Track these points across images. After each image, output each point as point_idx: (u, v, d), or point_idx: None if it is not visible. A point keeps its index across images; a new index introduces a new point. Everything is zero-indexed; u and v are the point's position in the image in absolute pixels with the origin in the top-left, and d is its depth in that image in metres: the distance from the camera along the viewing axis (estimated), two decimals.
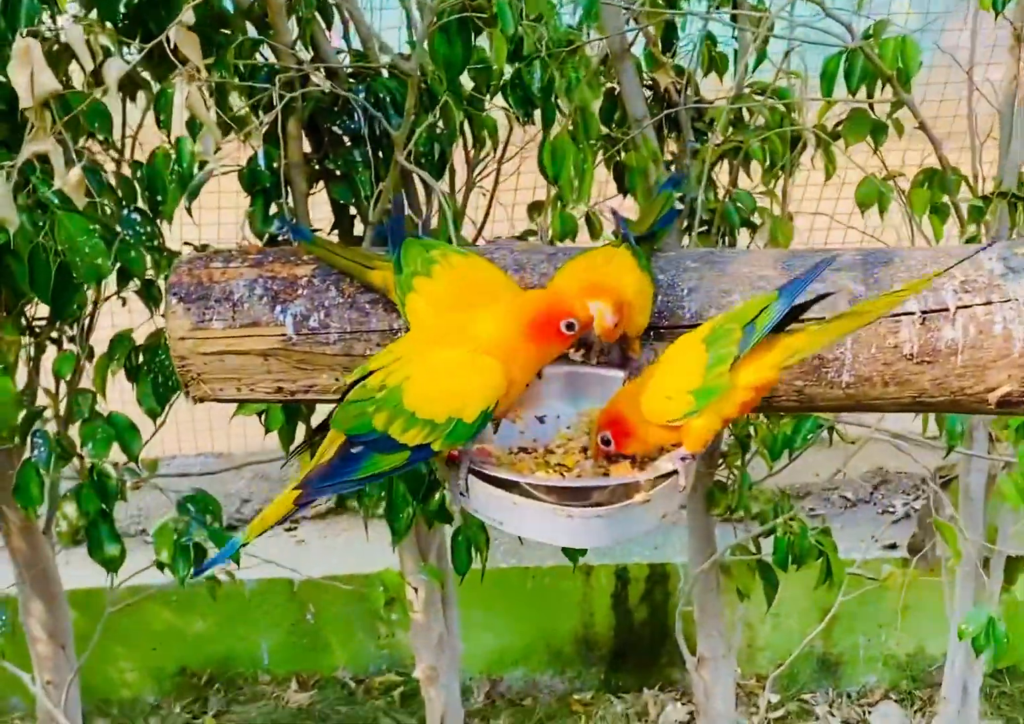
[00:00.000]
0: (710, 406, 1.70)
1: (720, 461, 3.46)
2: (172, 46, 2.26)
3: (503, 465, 1.75)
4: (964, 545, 3.36)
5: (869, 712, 4.48)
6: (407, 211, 2.83)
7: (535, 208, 3.30)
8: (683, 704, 4.52)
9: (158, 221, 2.61)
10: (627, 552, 4.65)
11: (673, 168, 3.24)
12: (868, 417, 3.22)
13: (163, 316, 2.03)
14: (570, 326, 1.70)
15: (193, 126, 2.42)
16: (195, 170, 2.44)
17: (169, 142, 2.48)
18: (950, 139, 3.79)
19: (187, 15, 2.18)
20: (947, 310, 1.87)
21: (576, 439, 1.83)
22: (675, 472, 1.70)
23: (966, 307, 1.86)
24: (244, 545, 1.79)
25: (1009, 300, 1.86)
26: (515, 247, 1.98)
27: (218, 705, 4.59)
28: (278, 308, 1.94)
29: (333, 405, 1.81)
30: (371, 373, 1.75)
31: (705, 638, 3.58)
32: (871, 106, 3.16)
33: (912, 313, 1.87)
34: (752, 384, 1.72)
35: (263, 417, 2.81)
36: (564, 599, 4.63)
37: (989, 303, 1.86)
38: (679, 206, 3.07)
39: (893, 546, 4.50)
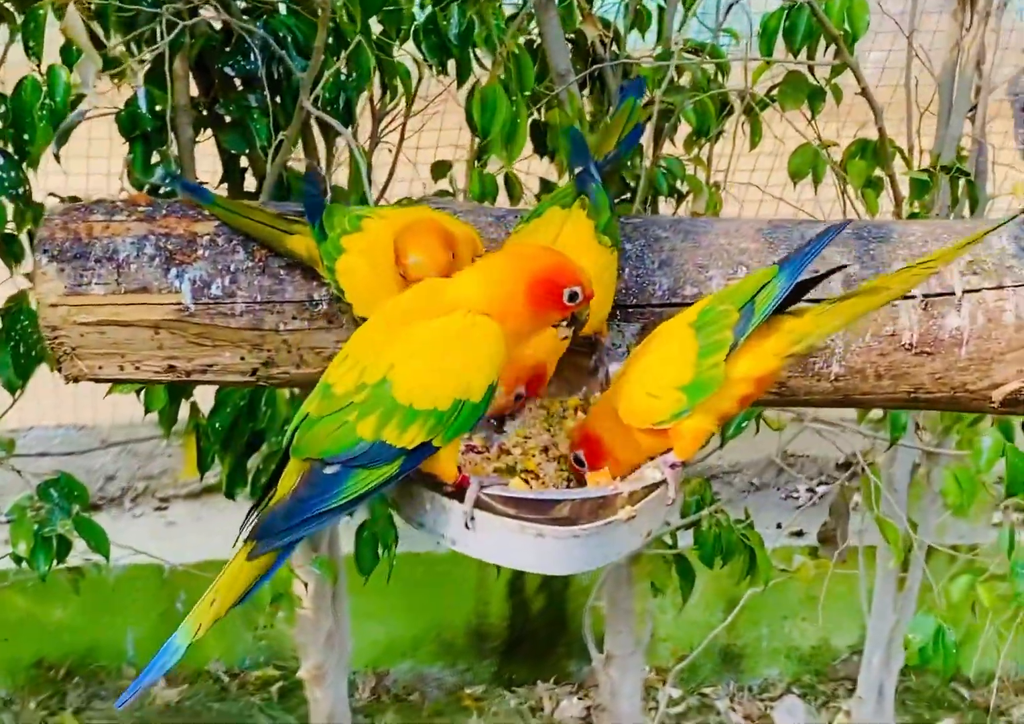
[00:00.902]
0: (703, 404, 1.42)
1: None
2: None
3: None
4: (878, 537, 3.19)
5: (771, 707, 4.32)
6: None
7: (440, 167, 3.02)
8: (580, 698, 4.30)
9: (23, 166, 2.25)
10: None
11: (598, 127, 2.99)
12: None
13: (28, 277, 1.69)
14: (573, 296, 1.39)
15: (69, 55, 2.07)
16: (70, 106, 2.08)
17: (40, 73, 2.13)
18: (888, 110, 3.60)
19: None
20: (953, 294, 1.64)
21: (535, 437, 1.54)
22: (663, 482, 1.42)
23: (974, 291, 1.64)
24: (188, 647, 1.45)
25: (1022, 285, 1.63)
26: (458, 207, 1.68)
27: (78, 700, 4.22)
28: (173, 271, 1.62)
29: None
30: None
31: (614, 635, 3.37)
32: (811, 70, 2.95)
33: (913, 297, 1.64)
34: (752, 375, 1.45)
35: (142, 394, 2.47)
36: (458, 588, 4.36)
37: (1000, 287, 1.64)
38: None
39: (799, 533, 4.34)
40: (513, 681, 4.43)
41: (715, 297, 1.48)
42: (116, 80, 2.56)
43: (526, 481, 1.45)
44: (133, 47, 2.62)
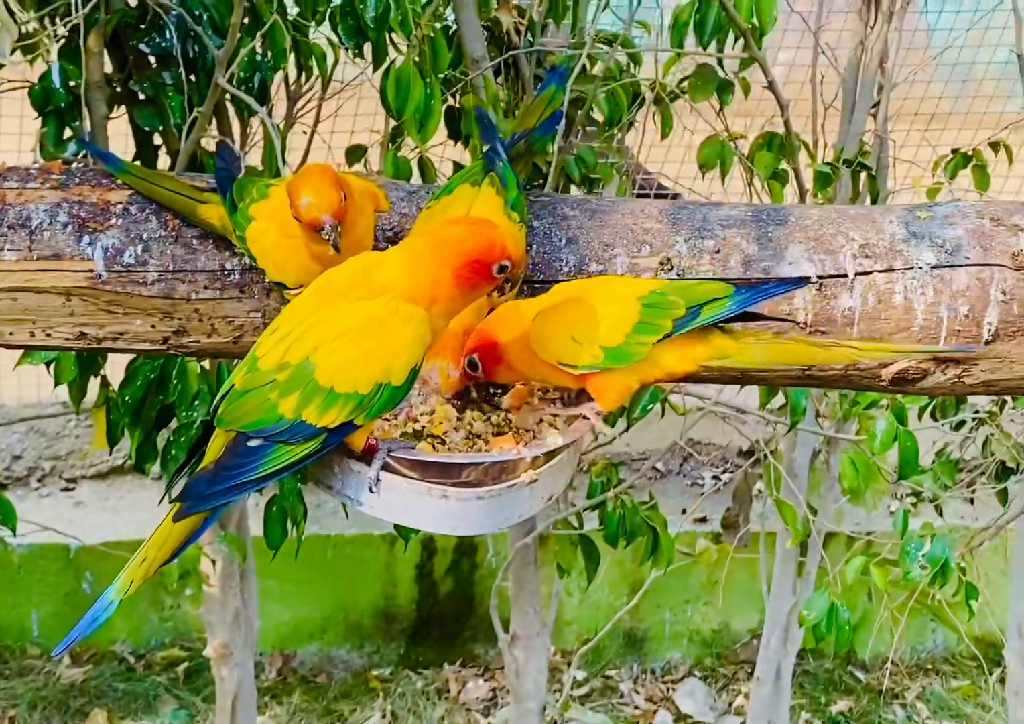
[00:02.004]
0: (630, 368, 1.50)
1: None
2: None
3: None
4: (774, 524, 3.27)
5: (673, 689, 4.40)
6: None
7: (355, 152, 3.04)
8: (485, 680, 4.34)
9: None
10: None
11: (514, 114, 3.02)
12: (711, 391, 3.09)
13: None
14: (503, 268, 1.44)
15: None
16: None
17: None
18: (795, 106, 3.69)
19: None
20: (845, 276, 1.71)
21: (442, 404, 1.58)
22: (564, 448, 1.47)
23: (865, 273, 1.71)
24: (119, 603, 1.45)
25: (911, 268, 1.71)
26: (372, 180, 1.71)
27: None
28: (86, 239, 1.63)
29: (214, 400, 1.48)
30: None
31: (520, 615, 3.41)
32: (719, 63, 3.02)
33: (809, 278, 1.70)
34: (669, 369, 1.54)
35: (51, 367, 2.46)
36: (366, 569, 4.38)
37: (891, 270, 1.71)
38: None
39: (703, 519, 4.43)
40: (420, 663, 4.46)
41: (670, 285, 1.54)
42: (28, 55, 2.55)
43: (432, 446, 1.49)
44: (47, 22, 2.62)
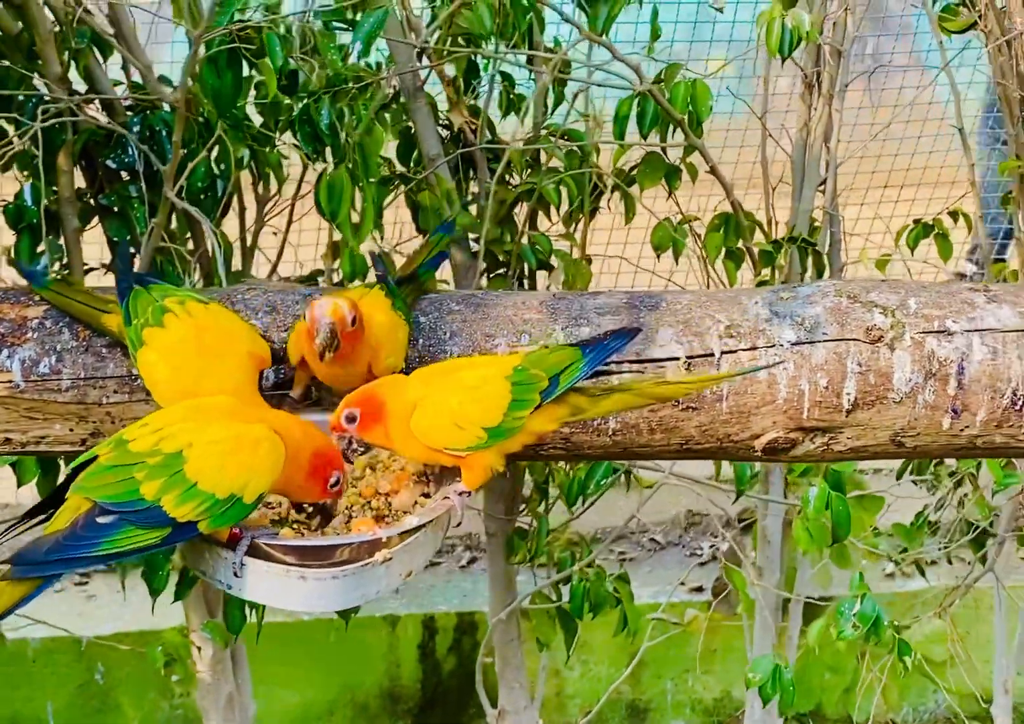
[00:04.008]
0: (497, 445, 1.65)
1: (522, 508, 3.39)
2: None
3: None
4: (756, 590, 3.34)
5: None
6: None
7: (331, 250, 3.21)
8: None
9: None
10: (434, 601, 4.54)
11: (471, 208, 3.17)
12: (666, 463, 3.18)
13: None
14: (335, 483, 1.64)
15: None
16: None
17: None
18: (751, 184, 3.82)
19: None
20: (712, 355, 1.83)
21: None
22: (420, 527, 1.60)
23: (731, 352, 1.83)
24: None
25: (774, 345, 1.83)
26: (268, 286, 1.87)
27: None
28: (4, 352, 1.79)
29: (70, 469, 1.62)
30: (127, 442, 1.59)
31: (506, 690, 3.49)
32: (664, 150, 3.15)
33: (677, 358, 1.83)
34: (537, 430, 1.70)
35: (15, 468, 2.62)
36: (369, 651, 4.48)
37: (754, 348, 1.83)
38: (475, 248, 3.03)
39: (700, 589, 4.49)
40: None
41: (527, 359, 1.69)
42: None
43: (299, 531, 1.63)
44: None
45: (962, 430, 1.86)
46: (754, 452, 1.85)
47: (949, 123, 3.40)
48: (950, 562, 3.80)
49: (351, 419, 1.66)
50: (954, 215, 3.76)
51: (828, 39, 3.36)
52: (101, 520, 1.52)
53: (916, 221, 3.65)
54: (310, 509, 1.69)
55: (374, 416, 1.65)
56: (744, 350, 1.82)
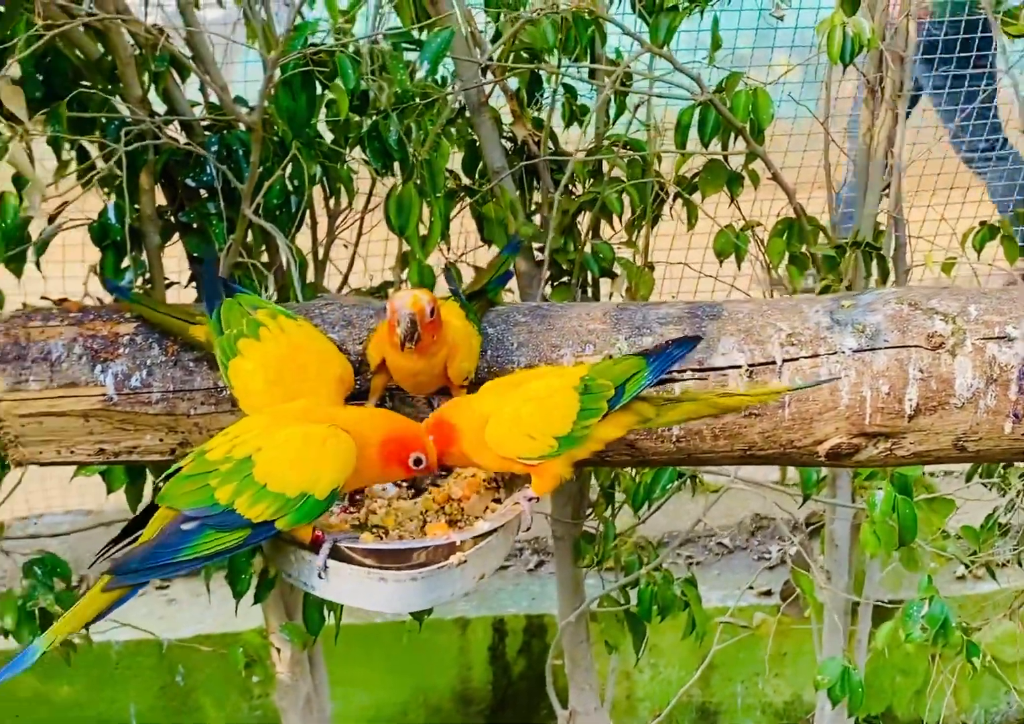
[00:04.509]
0: (567, 452, 1.71)
1: (589, 511, 3.45)
2: None
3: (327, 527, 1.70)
4: (825, 593, 3.37)
5: None
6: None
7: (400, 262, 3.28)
8: None
9: None
10: (503, 604, 4.60)
11: (536, 219, 3.24)
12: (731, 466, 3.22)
13: None
14: (418, 460, 1.70)
15: (19, 182, 2.36)
16: (19, 225, 2.36)
17: None
18: (814, 189, 3.84)
19: (12, 69, 2.13)
20: (774, 363, 1.88)
21: (397, 499, 1.79)
22: (492, 532, 1.68)
23: (792, 360, 1.88)
24: (45, 652, 1.65)
25: (835, 352, 1.87)
26: (344, 301, 1.95)
27: None
28: (98, 367, 1.89)
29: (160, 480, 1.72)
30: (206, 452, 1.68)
31: (577, 691, 3.55)
32: (726, 158, 3.19)
33: (739, 366, 1.88)
34: (604, 438, 1.77)
35: (105, 477, 2.72)
36: (441, 654, 4.56)
37: (815, 356, 1.88)
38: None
39: (768, 593, 4.52)
40: None
41: (594, 369, 1.77)
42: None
43: (379, 536, 1.70)
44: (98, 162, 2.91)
45: None
46: (817, 457, 1.90)
47: (1014, 125, 3.41)
48: (1020, 564, 3.79)
49: (418, 462, 1.74)
50: (1019, 217, 3.76)
51: (890, 45, 3.38)
52: (185, 527, 1.63)
53: (982, 223, 3.66)
54: (405, 485, 1.75)
55: (447, 438, 1.73)
56: (805, 358, 1.87)
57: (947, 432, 1.87)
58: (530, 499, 1.73)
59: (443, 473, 1.82)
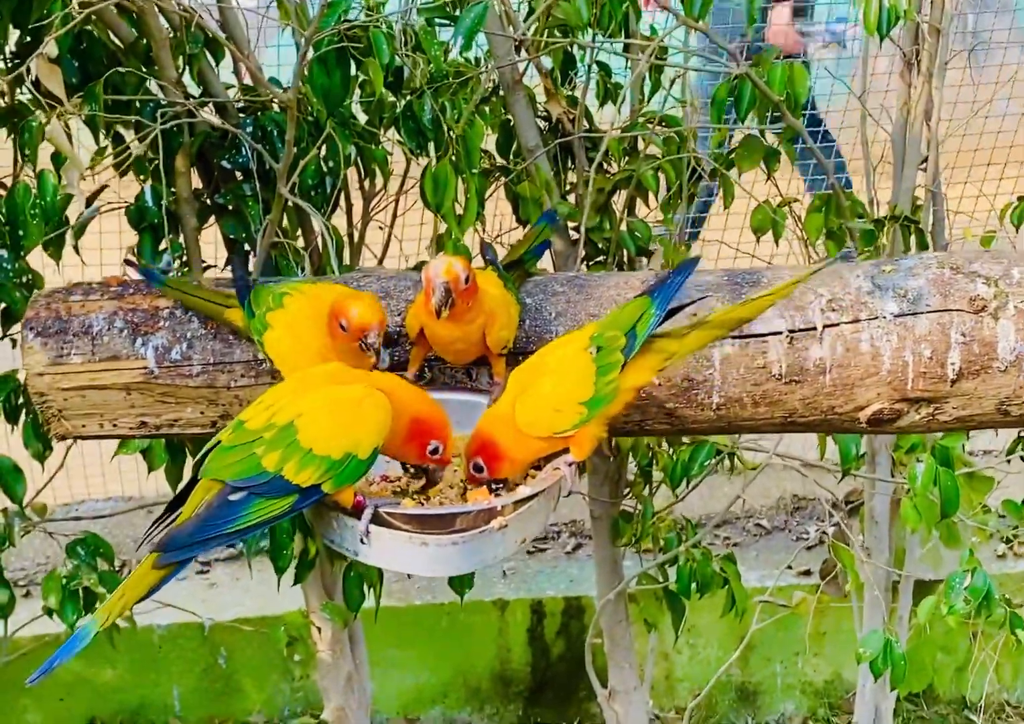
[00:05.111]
0: (598, 413, 1.70)
1: (626, 491, 3.44)
2: (34, 78, 2.21)
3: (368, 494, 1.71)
4: (865, 569, 3.35)
5: None
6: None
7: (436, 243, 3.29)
8: None
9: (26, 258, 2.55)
10: (541, 586, 4.61)
11: (571, 197, 3.23)
12: (768, 443, 3.21)
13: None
14: (435, 450, 1.71)
15: (58, 160, 2.37)
16: (58, 203, 2.37)
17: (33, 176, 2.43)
18: (851, 166, 3.82)
19: (49, 47, 2.14)
20: (814, 329, 1.87)
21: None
22: (533, 497, 1.68)
23: (833, 325, 1.87)
24: (99, 632, 1.65)
25: (876, 317, 1.86)
26: (381, 273, 1.96)
27: None
28: (139, 341, 1.90)
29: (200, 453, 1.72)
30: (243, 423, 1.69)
31: (616, 670, 3.55)
32: (762, 133, 3.18)
33: (780, 332, 1.87)
34: (633, 386, 1.75)
35: (146, 456, 2.74)
36: (480, 635, 4.57)
37: (856, 321, 1.87)
38: (573, 235, 3.09)
39: (807, 573, 4.50)
40: (539, 723, 4.61)
41: (600, 324, 1.75)
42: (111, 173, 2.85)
43: (420, 502, 1.71)
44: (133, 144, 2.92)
45: None
46: (859, 424, 1.89)
47: None
48: None
49: (479, 469, 1.74)
50: None
51: (926, 17, 3.35)
52: (233, 498, 1.63)
53: (1020, 198, 3.62)
54: (412, 470, 1.76)
55: (493, 454, 1.73)
56: (846, 323, 1.86)
57: (990, 396, 1.86)
58: (571, 464, 1.73)
59: (500, 485, 1.80)
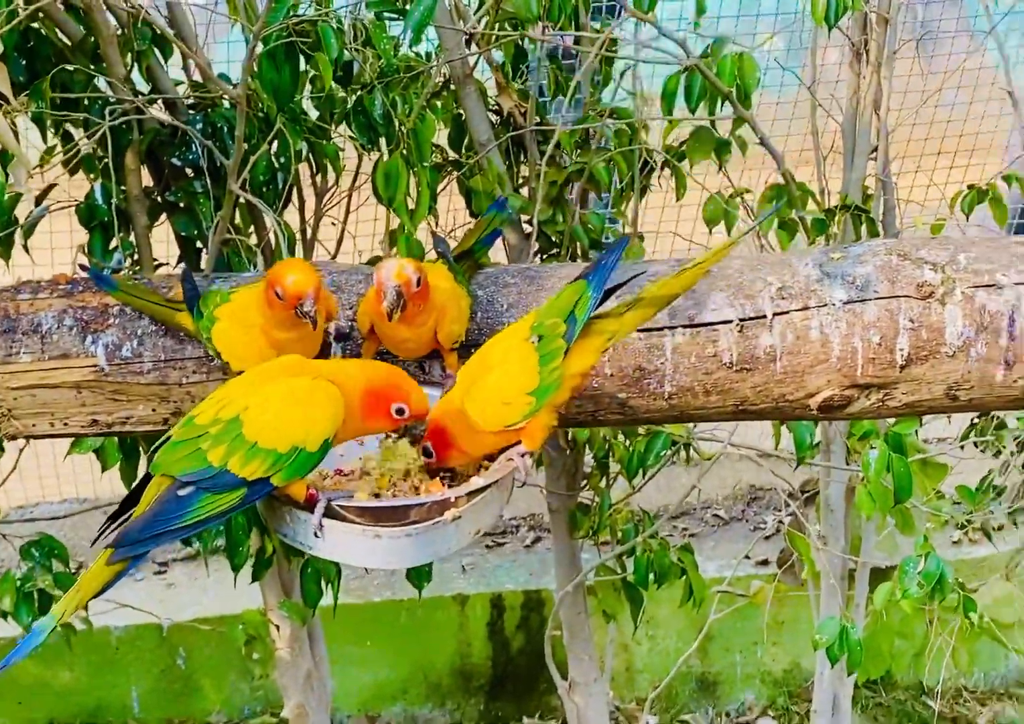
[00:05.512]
0: (547, 402, 1.71)
1: (584, 483, 3.45)
2: None
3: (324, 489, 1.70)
4: (820, 557, 3.38)
5: None
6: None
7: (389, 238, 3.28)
8: None
9: None
10: (501, 580, 4.62)
11: (524, 191, 3.24)
12: (724, 433, 3.23)
13: None
14: (400, 410, 1.69)
15: (4, 158, 2.35)
16: (7, 203, 2.35)
17: None
18: (803, 158, 3.84)
19: None
20: (764, 317, 1.88)
21: (398, 462, 1.80)
22: (486, 487, 1.68)
23: (783, 313, 1.88)
24: (55, 630, 1.65)
25: (825, 305, 1.88)
26: (332, 267, 1.95)
27: None
28: (89, 338, 1.89)
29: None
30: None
31: (576, 662, 3.56)
32: (713, 124, 3.19)
33: (730, 321, 1.88)
34: (579, 371, 1.75)
35: (99, 455, 2.72)
36: (440, 630, 4.57)
37: (806, 308, 1.88)
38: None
39: (765, 562, 4.53)
40: (500, 718, 4.62)
41: (539, 313, 1.76)
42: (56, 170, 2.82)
43: (376, 494, 1.71)
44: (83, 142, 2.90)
45: (1015, 381, 1.89)
46: (810, 410, 1.90)
47: (1000, 87, 3.41)
48: (1016, 525, 3.81)
49: (428, 453, 1.74)
50: (1008, 179, 3.77)
51: (875, 7, 3.38)
52: (181, 493, 1.63)
53: (970, 186, 3.66)
54: (394, 436, 1.76)
55: (444, 442, 1.73)
56: (796, 310, 1.87)
57: (939, 381, 1.88)
58: (523, 455, 1.73)
59: (448, 474, 1.80)
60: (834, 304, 1.87)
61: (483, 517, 1.69)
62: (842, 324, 1.86)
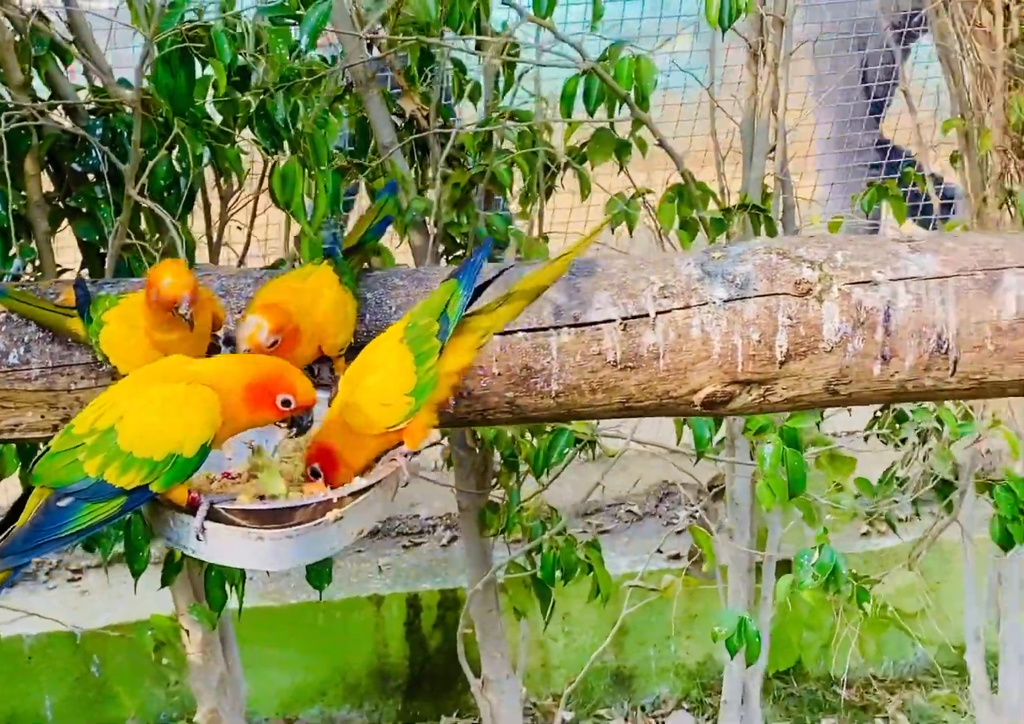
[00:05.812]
0: (426, 402, 1.73)
1: (494, 482, 3.48)
2: None
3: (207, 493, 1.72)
4: (727, 552, 3.44)
5: (663, 723, 4.55)
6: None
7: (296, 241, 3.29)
8: None
9: None
10: (417, 580, 4.64)
11: (428, 193, 3.26)
12: (627, 430, 3.28)
13: None
14: (286, 402, 1.70)
15: None
16: None
17: None
18: (707, 158, 3.90)
19: None
20: (647, 316, 1.92)
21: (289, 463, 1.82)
22: (369, 488, 1.71)
23: (665, 312, 1.92)
24: None
25: (706, 303, 1.92)
26: (221, 271, 1.97)
27: None
28: None
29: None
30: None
31: (488, 660, 3.59)
32: (613, 126, 3.24)
33: (613, 320, 1.92)
34: (455, 369, 1.79)
35: None
36: (357, 631, 4.57)
37: (687, 307, 1.92)
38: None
39: (677, 557, 4.60)
40: (418, 717, 4.63)
41: (413, 314, 1.80)
42: None
43: (260, 497, 1.73)
44: None
45: (892, 375, 1.95)
46: (694, 407, 1.95)
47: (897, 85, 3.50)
48: (918, 516, 3.90)
49: (316, 474, 1.76)
50: (906, 177, 3.87)
51: (770, 10, 3.45)
52: (61, 504, 1.65)
53: (869, 184, 3.75)
54: (284, 426, 1.78)
55: (331, 461, 1.75)
56: (678, 309, 1.92)
57: (818, 376, 1.93)
58: (406, 455, 1.76)
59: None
60: (715, 302, 1.92)
61: (366, 517, 1.72)
62: (723, 322, 1.91)
